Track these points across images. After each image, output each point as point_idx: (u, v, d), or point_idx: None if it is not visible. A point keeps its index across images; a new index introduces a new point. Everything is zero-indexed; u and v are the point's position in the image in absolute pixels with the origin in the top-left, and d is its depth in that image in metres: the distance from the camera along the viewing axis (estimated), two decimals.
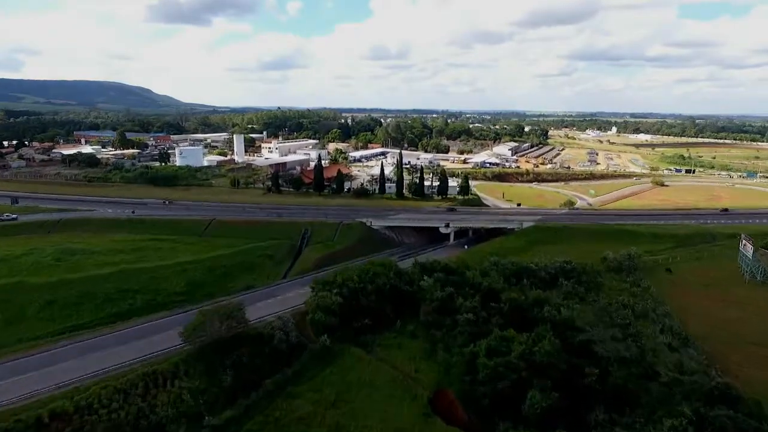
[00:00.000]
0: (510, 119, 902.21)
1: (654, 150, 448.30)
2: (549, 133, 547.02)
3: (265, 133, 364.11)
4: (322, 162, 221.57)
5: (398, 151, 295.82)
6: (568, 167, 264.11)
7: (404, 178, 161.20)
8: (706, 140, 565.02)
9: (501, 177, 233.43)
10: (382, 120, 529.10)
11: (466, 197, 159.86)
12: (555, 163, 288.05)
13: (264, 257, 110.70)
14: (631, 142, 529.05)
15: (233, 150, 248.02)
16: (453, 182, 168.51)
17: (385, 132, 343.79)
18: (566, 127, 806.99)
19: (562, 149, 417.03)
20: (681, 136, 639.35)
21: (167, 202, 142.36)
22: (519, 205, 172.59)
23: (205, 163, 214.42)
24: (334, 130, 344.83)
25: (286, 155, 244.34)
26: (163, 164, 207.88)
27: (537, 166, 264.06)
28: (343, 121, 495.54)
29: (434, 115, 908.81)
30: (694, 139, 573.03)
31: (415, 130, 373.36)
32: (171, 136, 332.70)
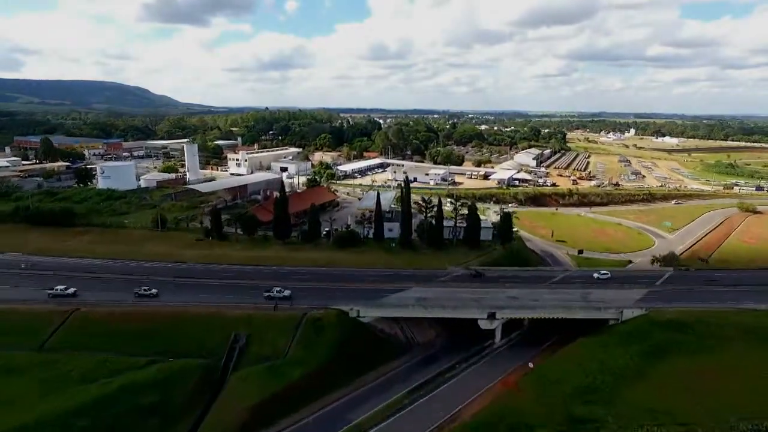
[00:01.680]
0: (514, 119, 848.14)
1: (690, 156, 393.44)
2: (566, 136, 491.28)
3: (240, 139, 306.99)
4: (299, 180, 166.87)
5: (400, 162, 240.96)
6: (617, 184, 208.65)
7: (410, 207, 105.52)
8: (741, 144, 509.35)
9: (536, 200, 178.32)
10: (381, 122, 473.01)
11: (507, 246, 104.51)
12: (594, 177, 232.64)
13: (144, 411, 55.54)
14: (659, 147, 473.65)
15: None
16: (484, 218, 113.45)
17: (385, 137, 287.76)
18: (578, 128, 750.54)
19: (588, 156, 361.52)
20: (708, 138, 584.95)
21: (24, 266, 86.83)
22: (581, 252, 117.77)
23: (143, 184, 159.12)
24: (323, 135, 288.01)
25: (254, 171, 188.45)
26: (82, 186, 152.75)
27: (576, 183, 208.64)
28: (339, 123, 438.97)
29: (435, 116, 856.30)
30: (727, 143, 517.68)
31: (419, 135, 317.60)
32: (123, 142, 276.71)
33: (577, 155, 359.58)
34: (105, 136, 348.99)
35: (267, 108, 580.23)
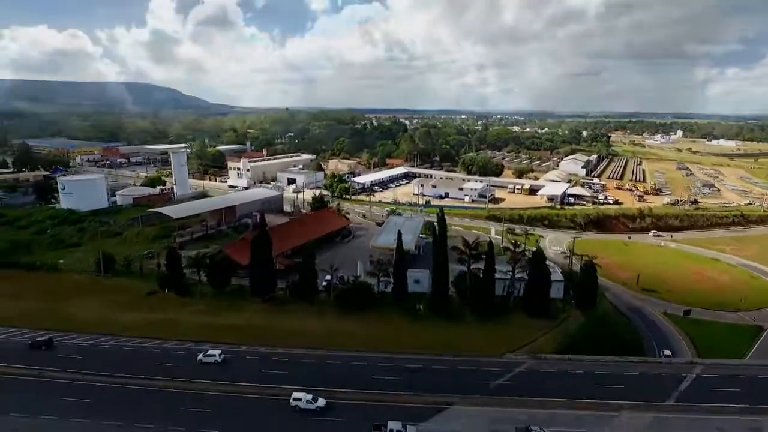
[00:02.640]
0: (545, 120, 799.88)
1: (758, 162, 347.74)
2: (610, 139, 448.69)
3: (249, 143, 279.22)
4: (303, 197, 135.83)
5: (428, 172, 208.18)
6: (695, 201, 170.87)
7: (446, 252, 72.98)
8: None
9: (599, 223, 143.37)
10: (407, 123, 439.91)
11: (592, 312, 71.15)
12: (660, 190, 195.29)
13: None
14: (716, 151, 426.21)
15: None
16: (551, 264, 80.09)
17: (411, 141, 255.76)
18: (616, 129, 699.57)
19: (639, 162, 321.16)
20: (763, 141, 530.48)
21: None
22: (687, 314, 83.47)
23: (118, 201, 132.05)
24: (341, 139, 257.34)
25: (255, 183, 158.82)
26: (41, 205, 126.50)
27: (643, 199, 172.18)
28: (363, 124, 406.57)
29: (463, 116, 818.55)
30: None
31: (449, 139, 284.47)
32: (121, 147, 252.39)
33: (627, 162, 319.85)
34: (111, 139, 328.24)
35: (287, 108, 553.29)
